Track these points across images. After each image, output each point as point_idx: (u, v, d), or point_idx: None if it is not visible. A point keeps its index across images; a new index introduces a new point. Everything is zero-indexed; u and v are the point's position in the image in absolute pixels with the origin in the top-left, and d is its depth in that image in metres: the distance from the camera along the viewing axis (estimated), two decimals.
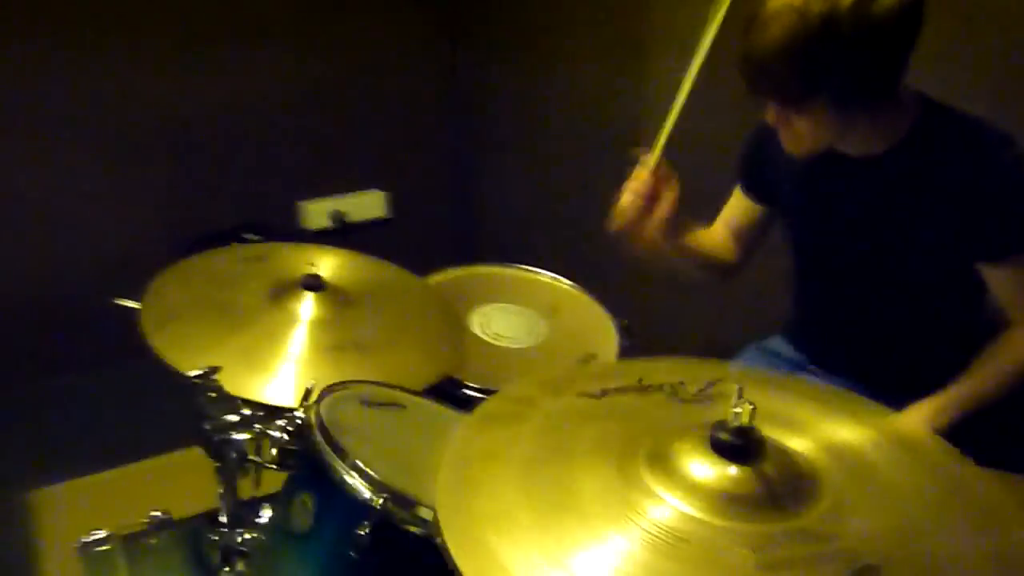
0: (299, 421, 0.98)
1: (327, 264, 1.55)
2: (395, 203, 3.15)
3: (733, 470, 0.64)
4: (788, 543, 0.61)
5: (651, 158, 1.42)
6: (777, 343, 1.64)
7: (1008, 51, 1.53)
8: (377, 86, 3.00)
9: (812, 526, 0.62)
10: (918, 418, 1.34)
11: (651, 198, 1.41)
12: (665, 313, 2.29)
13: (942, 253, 1.32)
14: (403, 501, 0.87)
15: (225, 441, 1.09)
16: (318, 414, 0.97)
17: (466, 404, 1.25)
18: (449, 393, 1.38)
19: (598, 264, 1.93)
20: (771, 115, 1.29)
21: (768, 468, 0.64)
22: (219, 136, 2.78)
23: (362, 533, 0.86)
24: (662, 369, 0.82)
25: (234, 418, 1.14)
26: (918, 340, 1.43)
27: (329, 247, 1.62)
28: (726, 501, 0.63)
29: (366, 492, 0.87)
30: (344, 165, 3.05)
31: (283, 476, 1.13)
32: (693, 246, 1.55)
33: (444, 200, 3.26)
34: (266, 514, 1.18)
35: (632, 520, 0.65)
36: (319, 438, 0.93)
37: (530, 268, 1.87)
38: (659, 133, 1.42)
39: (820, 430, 0.72)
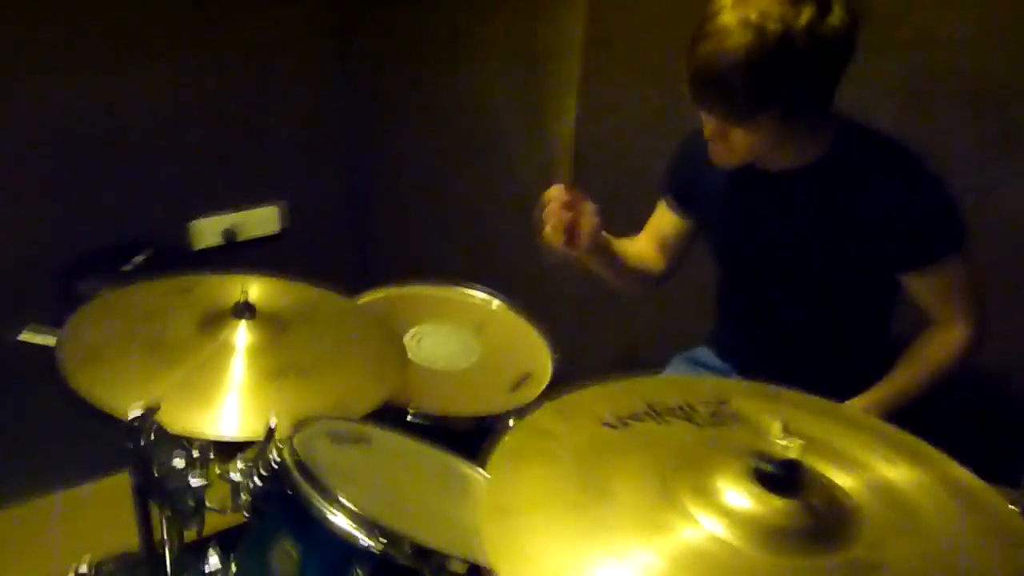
0: (274, 462, 0.93)
1: (255, 290, 1.47)
2: (289, 217, 3.05)
3: (774, 501, 0.66)
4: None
5: (555, 189, 1.44)
6: (703, 353, 1.70)
7: (909, 74, 1.64)
8: (266, 97, 2.90)
9: (850, 561, 0.63)
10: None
11: (572, 217, 1.42)
12: (583, 327, 2.32)
13: (861, 264, 1.41)
14: (401, 543, 0.84)
15: (179, 488, 1.02)
16: (294, 453, 0.92)
17: (425, 432, 1.23)
18: (392, 420, 1.35)
19: (506, 277, 1.94)
20: (708, 127, 1.33)
21: (810, 501, 0.66)
22: (98, 153, 2.61)
23: None
24: (663, 390, 0.83)
25: (181, 462, 1.07)
26: (838, 347, 1.51)
27: (259, 274, 1.54)
28: (763, 532, 0.65)
29: (362, 537, 0.83)
30: (234, 180, 2.93)
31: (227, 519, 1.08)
32: (619, 258, 1.58)
33: (340, 213, 3.19)
34: (214, 561, 1.11)
35: (668, 543, 0.65)
36: (301, 480, 0.88)
37: (457, 286, 1.85)
38: (564, 162, 1.44)
39: (854, 458, 0.74)
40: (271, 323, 1.40)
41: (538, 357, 1.69)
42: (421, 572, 0.83)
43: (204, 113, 2.78)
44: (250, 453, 1.03)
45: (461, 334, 1.73)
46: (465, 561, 0.85)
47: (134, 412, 1.11)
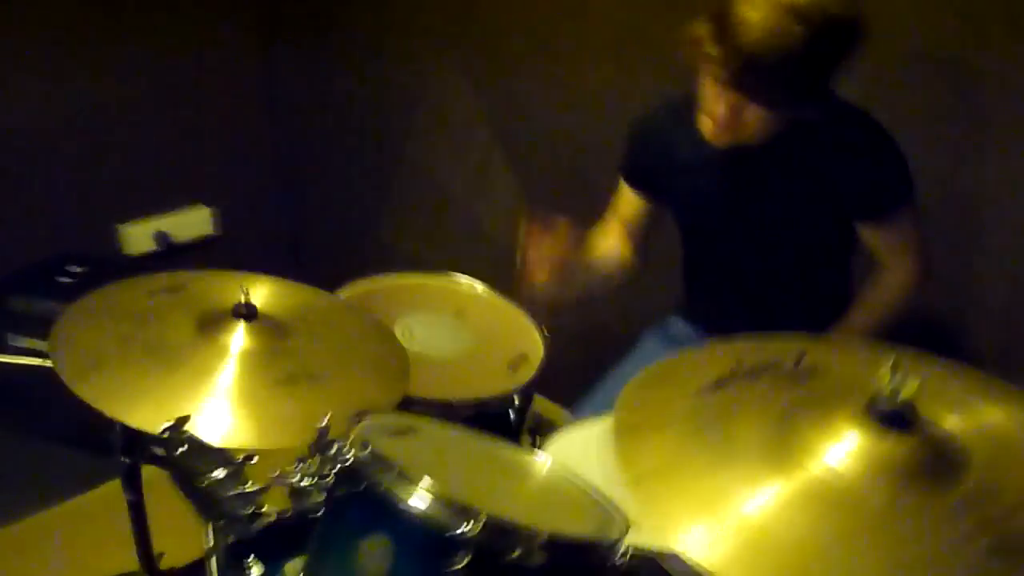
0: (345, 459, 0.90)
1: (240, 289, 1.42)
2: (222, 218, 2.94)
3: (891, 439, 0.69)
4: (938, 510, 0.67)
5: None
6: (675, 324, 1.74)
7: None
8: (190, 98, 2.78)
9: (965, 495, 0.67)
10: None
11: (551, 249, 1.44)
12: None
13: (825, 220, 1.49)
14: (500, 526, 0.83)
15: (230, 497, 0.98)
16: (367, 447, 0.90)
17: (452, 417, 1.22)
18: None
19: (462, 262, 1.94)
20: (723, 105, 1.33)
21: (924, 438, 0.70)
22: (19, 162, 2.45)
23: (460, 568, 0.81)
24: (741, 353, 0.85)
25: (222, 472, 1.02)
26: (805, 299, 1.58)
27: (249, 273, 1.48)
28: (882, 468, 0.68)
29: (459, 523, 0.82)
30: (162, 183, 2.80)
31: None
32: (596, 262, 1.61)
33: (274, 211, 3.09)
34: (255, 571, 1.07)
35: (794, 477, 0.67)
36: (385, 474, 0.86)
37: (438, 273, 1.83)
38: None
39: (953, 400, 0.78)
40: (272, 325, 1.35)
41: (529, 337, 1.69)
42: (515, 552, 0.83)
43: (127, 117, 2.64)
44: (305, 454, 0.99)
45: (449, 321, 1.72)
46: (567, 536, 0.86)
47: (164, 424, 1.06)
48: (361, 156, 2.86)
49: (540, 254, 1.43)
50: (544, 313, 1.60)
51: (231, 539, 1.02)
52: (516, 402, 1.54)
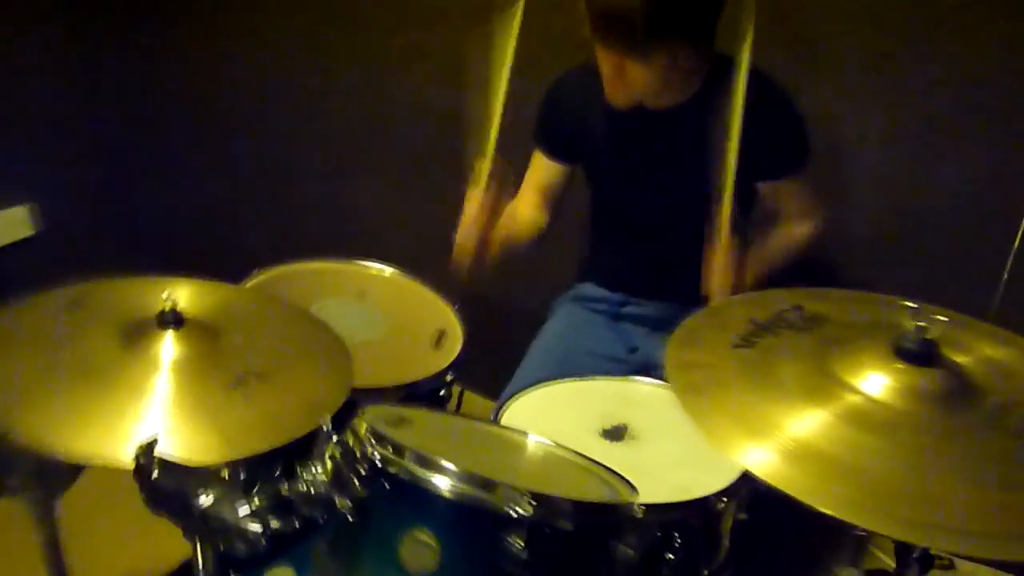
0: (374, 458, 0.88)
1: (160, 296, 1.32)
2: (42, 218, 2.66)
3: (918, 372, 0.79)
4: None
5: (480, 178, 1.47)
6: (589, 289, 1.79)
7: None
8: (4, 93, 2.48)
9: (990, 409, 0.78)
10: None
11: (489, 217, 1.47)
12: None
13: (735, 180, 1.58)
14: (552, 503, 0.85)
15: (229, 520, 0.93)
16: (390, 441, 0.88)
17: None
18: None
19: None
20: (607, 64, 1.41)
21: (948, 369, 0.80)
22: None
23: (518, 548, 0.82)
24: (751, 308, 0.92)
25: (209, 497, 0.97)
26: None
27: (148, 277, 1.37)
28: (914, 396, 0.78)
29: (511, 504, 0.83)
30: None
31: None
32: (517, 229, 1.63)
33: (100, 208, 2.83)
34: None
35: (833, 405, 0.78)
36: (418, 466, 0.85)
37: (340, 258, 1.78)
38: (484, 151, 1.46)
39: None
40: (201, 329, 1.26)
41: (442, 312, 1.69)
42: (567, 527, 0.86)
43: None
44: (305, 460, 0.96)
45: (360, 305, 1.68)
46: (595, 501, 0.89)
47: (131, 454, 0.98)
48: (199, 141, 2.68)
49: (475, 230, 1.43)
50: (467, 276, 1.59)
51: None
52: (448, 378, 1.54)
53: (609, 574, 0.92)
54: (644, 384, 1.48)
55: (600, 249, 1.79)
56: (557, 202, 1.71)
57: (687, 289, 1.68)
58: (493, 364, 1.64)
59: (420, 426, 1.04)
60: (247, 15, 2.42)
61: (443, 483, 0.85)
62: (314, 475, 0.93)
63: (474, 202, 1.50)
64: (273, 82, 2.46)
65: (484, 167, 1.48)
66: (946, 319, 0.81)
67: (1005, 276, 1.78)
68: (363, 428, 0.93)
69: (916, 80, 1.77)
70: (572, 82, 1.62)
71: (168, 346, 1.21)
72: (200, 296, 1.34)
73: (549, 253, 1.90)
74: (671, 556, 1.10)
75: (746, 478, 1.24)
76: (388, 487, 0.88)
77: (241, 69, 2.49)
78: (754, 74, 1.52)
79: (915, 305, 0.84)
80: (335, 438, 0.95)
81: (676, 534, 1.13)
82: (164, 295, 1.24)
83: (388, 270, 1.76)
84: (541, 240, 1.73)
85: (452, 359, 1.56)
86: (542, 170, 1.69)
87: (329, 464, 0.93)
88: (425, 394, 1.53)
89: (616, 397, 1.43)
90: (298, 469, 0.95)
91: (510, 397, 1.42)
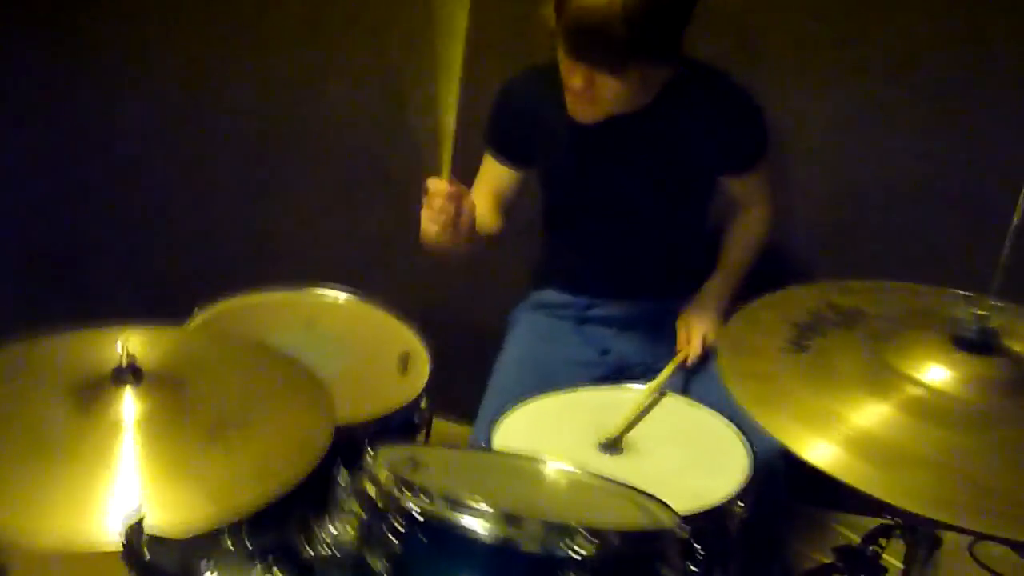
0: (409, 509, 0.80)
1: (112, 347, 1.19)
2: None
3: (977, 360, 0.78)
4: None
5: (442, 179, 1.40)
6: (551, 296, 1.74)
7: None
8: None
9: None
10: (710, 316, 1.60)
11: (454, 213, 1.40)
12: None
13: (697, 177, 1.60)
14: (606, 536, 0.79)
15: None
16: (426, 490, 0.80)
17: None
18: None
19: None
20: (576, 80, 1.36)
21: (1008, 355, 0.80)
22: None
23: None
24: (786, 308, 0.90)
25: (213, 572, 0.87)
26: (678, 249, 1.67)
27: (89, 327, 1.23)
28: (975, 385, 0.77)
29: (566, 544, 0.77)
30: None
31: None
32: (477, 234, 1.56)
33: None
34: None
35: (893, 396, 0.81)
36: (455, 513, 0.78)
37: (283, 286, 1.66)
38: (441, 153, 1.39)
39: None
40: (162, 380, 1.15)
41: (402, 334, 1.61)
42: (624, 558, 0.81)
43: None
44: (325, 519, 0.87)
45: (311, 336, 1.58)
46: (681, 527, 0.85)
47: (116, 535, 0.87)
48: (103, 167, 2.47)
49: (443, 213, 1.38)
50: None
51: None
52: (423, 405, 1.46)
53: None
54: (630, 391, 1.44)
55: (560, 253, 1.74)
56: (509, 207, 1.66)
57: (653, 286, 1.67)
58: (456, 384, 1.57)
59: (437, 466, 0.97)
60: (145, 30, 2.25)
61: (492, 529, 0.78)
62: (336, 534, 0.84)
63: (429, 218, 1.42)
64: (178, 103, 2.30)
65: (441, 187, 1.41)
66: (1001, 306, 0.80)
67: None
68: (384, 475, 0.85)
69: (848, 63, 1.81)
70: (526, 85, 1.57)
71: (129, 404, 1.09)
72: (152, 343, 1.21)
73: (503, 263, 1.85)
74: (695, 569, 1.06)
75: (753, 477, 1.22)
76: (427, 540, 0.80)
77: (145, 91, 2.31)
78: (712, 73, 1.51)
79: (969, 294, 0.82)
80: (353, 486, 0.86)
81: (698, 545, 1.09)
82: (117, 347, 1.12)
83: (336, 295, 1.66)
84: (493, 242, 1.67)
85: (424, 383, 1.48)
86: (494, 175, 1.63)
87: (353, 520, 0.84)
88: (398, 426, 1.44)
89: (605, 407, 1.39)
90: (315, 528, 0.86)
91: (496, 418, 1.36)
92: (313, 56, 2.14)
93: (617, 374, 1.62)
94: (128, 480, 1.00)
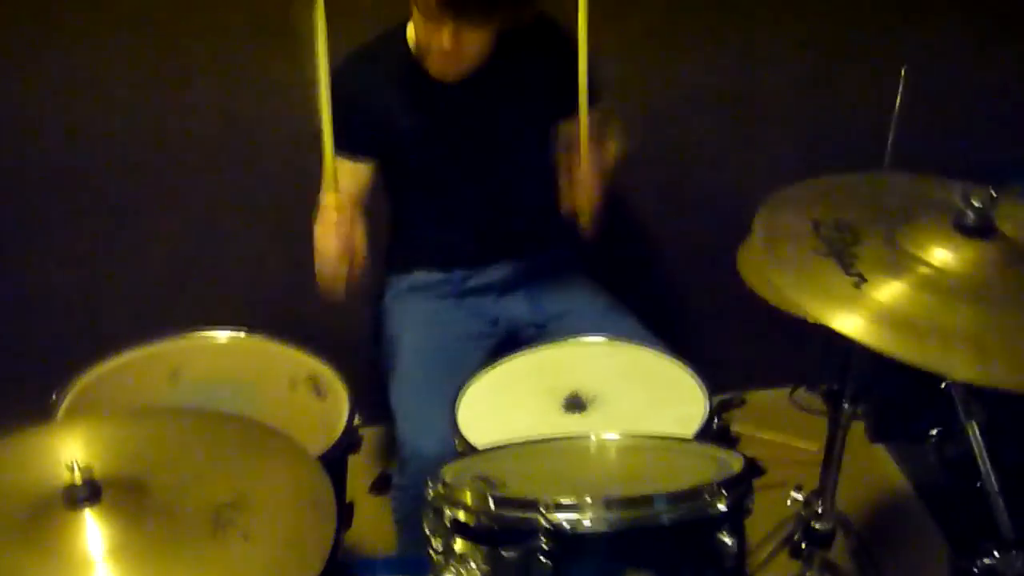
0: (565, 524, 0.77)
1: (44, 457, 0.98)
2: None
3: (977, 244, 0.94)
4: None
5: (329, 196, 1.34)
6: (423, 277, 1.69)
7: None
8: None
9: None
10: None
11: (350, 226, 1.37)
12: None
13: (540, 124, 1.61)
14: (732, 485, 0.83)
15: None
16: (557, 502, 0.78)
17: None
18: None
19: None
20: (444, 39, 1.34)
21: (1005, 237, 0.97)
22: None
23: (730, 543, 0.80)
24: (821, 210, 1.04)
25: None
26: (537, 197, 1.68)
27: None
28: (981, 262, 0.93)
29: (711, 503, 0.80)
30: None
31: None
32: None
33: None
34: None
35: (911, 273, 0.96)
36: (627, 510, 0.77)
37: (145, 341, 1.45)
38: (325, 163, 1.31)
39: None
40: (121, 487, 0.96)
41: (295, 358, 1.48)
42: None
43: None
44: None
45: (208, 383, 1.41)
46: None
47: None
48: None
49: (342, 235, 1.35)
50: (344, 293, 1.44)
51: None
52: (357, 422, 1.38)
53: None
54: (554, 348, 1.48)
55: (419, 233, 1.68)
56: (368, 209, 1.56)
57: (521, 243, 1.68)
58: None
59: (506, 476, 0.93)
60: None
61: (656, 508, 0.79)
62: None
63: (326, 232, 1.35)
64: None
65: (330, 199, 1.32)
66: (994, 195, 0.95)
67: None
68: (472, 498, 0.82)
69: None
70: (353, 69, 1.48)
71: (94, 531, 0.90)
72: (86, 443, 1.01)
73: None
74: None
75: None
76: (568, 550, 0.78)
77: None
78: (541, 22, 1.53)
79: (962, 184, 0.96)
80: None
81: None
82: (67, 462, 0.91)
83: (212, 335, 1.48)
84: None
85: (347, 400, 1.39)
86: (352, 177, 1.51)
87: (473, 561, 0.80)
88: (343, 447, 1.35)
89: (545, 370, 1.41)
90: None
91: (453, 403, 1.32)
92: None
93: (512, 338, 1.63)
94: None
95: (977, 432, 1.06)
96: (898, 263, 0.97)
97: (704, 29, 1.94)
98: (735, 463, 0.95)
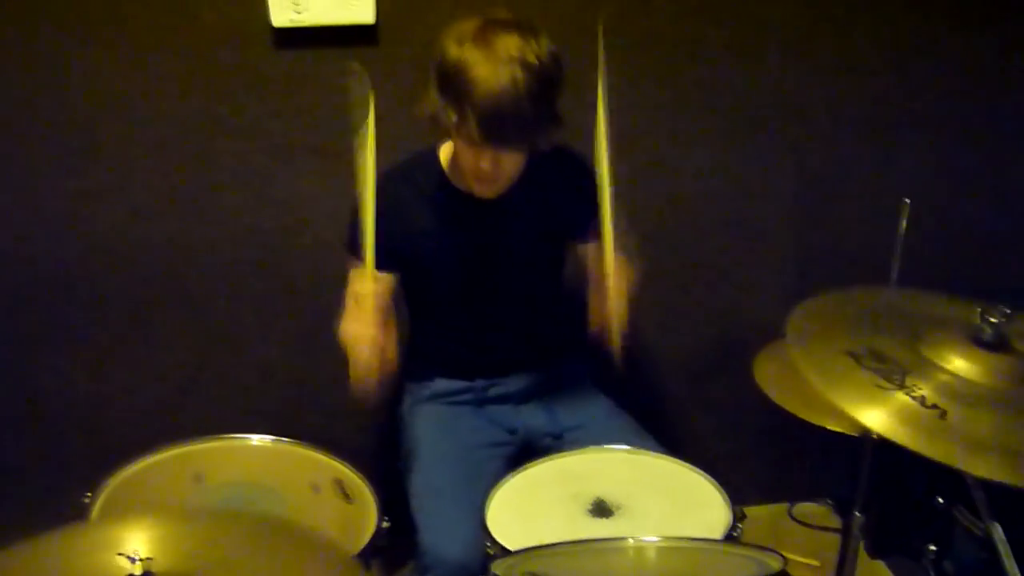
0: None
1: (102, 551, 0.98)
2: None
3: (995, 357, 1.04)
4: None
5: (368, 283, 1.38)
6: (444, 385, 1.72)
7: None
8: None
9: None
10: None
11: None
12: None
13: (559, 244, 1.70)
14: None
15: None
16: None
17: None
18: None
19: None
20: (485, 162, 1.42)
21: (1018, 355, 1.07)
22: None
23: None
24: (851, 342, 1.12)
25: None
26: (554, 310, 1.76)
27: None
28: (998, 373, 1.01)
29: None
30: None
31: None
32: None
33: None
34: None
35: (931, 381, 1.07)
36: None
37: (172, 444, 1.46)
38: (365, 248, 1.38)
39: None
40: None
41: (315, 464, 1.51)
42: None
43: None
44: None
45: (237, 486, 1.43)
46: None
47: None
48: None
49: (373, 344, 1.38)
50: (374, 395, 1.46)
51: None
52: (386, 524, 1.39)
53: None
54: (576, 456, 1.51)
55: (440, 343, 1.72)
56: (388, 319, 1.62)
57: (538, 356, 1.74)
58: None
59: (558, 570, 0.96)
60: None
61: None
62: None
63: (363, 323, 1.39)
64: None
65: (368, 287, 1.37)
66: (1008, 312, 1.05)
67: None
68: None
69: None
70: (384, 188, 1.55)
71: None
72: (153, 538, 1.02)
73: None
74: None
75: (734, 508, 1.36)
76: None
77: None
78: (559, 149, 1.62)
79: (983, 304, 1.06)
80: None
81: None
82: (128, 554, 0.92)
83: (226, 438, 1.51)
84: None
85: (374, 504, 1.41)
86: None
87: None
88: (370, 551, 1.36)
89: (568, 478, 1.44)
90: None
91: (481, 511, 1.35)
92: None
93: (528, 448, 1.67)
94: None
95: (1002, 533, 1.10)
96: (924, 373, 1.07)
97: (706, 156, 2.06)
98: (773, 562, 0.98)
